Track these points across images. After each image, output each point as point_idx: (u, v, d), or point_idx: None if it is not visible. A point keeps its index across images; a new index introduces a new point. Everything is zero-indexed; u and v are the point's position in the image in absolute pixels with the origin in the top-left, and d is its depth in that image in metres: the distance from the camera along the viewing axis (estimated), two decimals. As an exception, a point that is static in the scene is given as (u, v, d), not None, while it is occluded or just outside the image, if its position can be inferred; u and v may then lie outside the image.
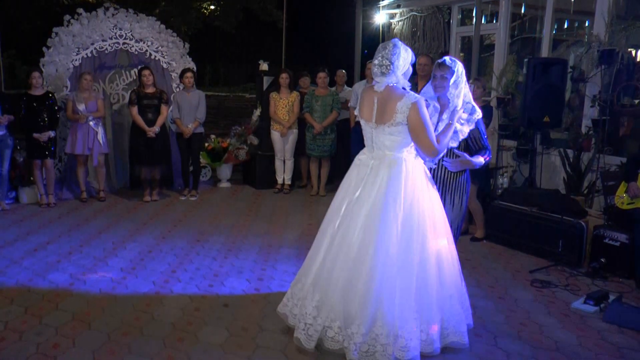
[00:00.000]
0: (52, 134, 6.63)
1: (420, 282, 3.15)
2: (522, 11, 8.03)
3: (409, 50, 3.29)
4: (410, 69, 3.33)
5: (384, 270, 3.10)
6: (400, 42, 3.26)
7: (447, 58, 3.52)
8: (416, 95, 3.17)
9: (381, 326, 3.08)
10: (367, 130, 3.35)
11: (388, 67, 3.19)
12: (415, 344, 3.08)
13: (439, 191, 3.53)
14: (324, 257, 3.35)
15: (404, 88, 3.22)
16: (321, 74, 7.53)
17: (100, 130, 6.92)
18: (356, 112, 3.51)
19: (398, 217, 3.14)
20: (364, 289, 3.11)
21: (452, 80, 3.46)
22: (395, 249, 3.11)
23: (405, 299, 3.10)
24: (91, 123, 6.83)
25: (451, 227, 3.55)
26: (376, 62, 3.24)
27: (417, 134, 3.15)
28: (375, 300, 3.09)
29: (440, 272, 3.26)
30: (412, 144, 3.24)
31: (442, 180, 3.61)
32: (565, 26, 7.98)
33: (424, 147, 3.17)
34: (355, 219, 3.23)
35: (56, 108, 6.74)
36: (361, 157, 3.40)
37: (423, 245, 3.17)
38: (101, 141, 6.93)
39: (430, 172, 3.55)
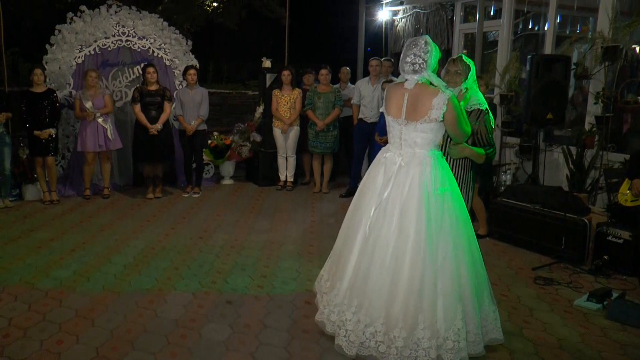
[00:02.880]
0: (53, 131, 6.64)
1: (461, 283, 3.13)
2: (525, 8, 8.00)
3: (437, 46, 3.29)
4: (437, 66, 3.31)
5: (423, 272, 3.04)
6: (430, 39, 3.23)
7: (463, 54, 3.61)
8: (448, 89, 3.17)
9: (423, 329, 3.02)
10: (395, 127, 3.27)
11: (422, 65, 3.16)
12: (462, 345, 3.05)
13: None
14: (359, 260, 3.26)
15: (431, 84, 3.19)
16: (323, 71, 7.52)
17: (109, 126, 6.93)
18: (382, 109, 3.48)
19: (433, 217, 3.09)
20: (404, 292, 3.06)
21: (469, 79, 3.62)
22: (432, 250, 3.06)
23: (448, 301, 3.06)
24: (99, 120, 6.84)
25: None
26: (408, 59, 3.19)
27: (456, 124, 3.19)
28: (415, 304, 3.03)
29: (474, 270, 3.24)
30: (438, 140, 3.27)
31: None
32: (569, 23, 7.95)
33: (461, 135, 3.28)
34: (389, 221, 3.16)
35: (57, 105, 6.76)
36: (387, 155, 3.32)
37: (457, 244, 3.14)
38: (111, 137, 6.94)
39: None
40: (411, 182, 3.14)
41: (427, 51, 3.17)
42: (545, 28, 7.41)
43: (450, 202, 3.17)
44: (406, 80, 3.24)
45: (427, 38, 3.22)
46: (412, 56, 3.18)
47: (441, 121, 3.15)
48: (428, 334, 3.01)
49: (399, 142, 3.27)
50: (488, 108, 3.67)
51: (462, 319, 3.07)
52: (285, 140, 7.74)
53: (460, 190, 3.55)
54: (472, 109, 3.58)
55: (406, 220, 3.11)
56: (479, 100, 3.64)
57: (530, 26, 8.34)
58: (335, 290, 3.39)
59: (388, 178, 3.23)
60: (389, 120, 3.33)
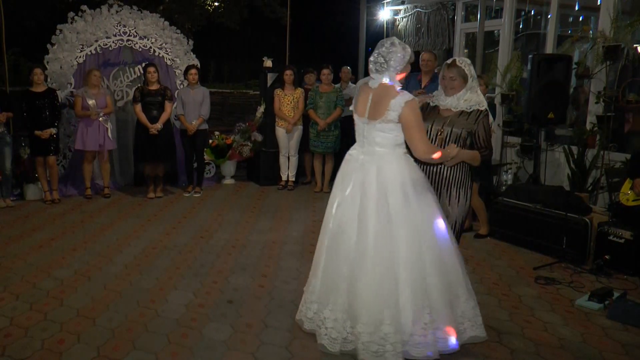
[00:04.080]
0: (53, 131, 6.65)
1: (426, 279, 3.11)
2: (527, 7, 8.00)
3: (408, 49, 3.26)
4: (409, 68, 3.32)
5: (383, 269, 3.07)
6: (398, 41, 3.24)
7: (457, 58, 3.49)
8: (410, 94, 3.18)
9: (389, 324, 3.04)
10: (359, 125, 3.35)
11: (382, 65, 3.20)
12: (429, 340, 3.07)
13: (444, 186, 3.52)
14: (326, 257, 3.36)
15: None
16: (325, 71, 7.53)
17: (109, 126, 6.95)
18: (351, 108, 3.51)
19: (391, 215, 3.11)
20: (365, 288, 3.10)
21: (466, 86, 3.46)
22: (393, 246, 3.09)
23: (412, 296, 3.07)
24: (101, 119, 6.85)
25: (456, 222, 3.55)
26: (372, 58, 3.26)
27: (410, 133, 3.15)
28: (376, 300, 3.06)
29: (444, 270, 3.22)
30: (401, 140, 3.23)
31: (447, 174, 3.54)
32: (570, 22, 7.94)
33: (415, 147, 3.17)
34: (349, 218, 3.24)
35: (58, 104, 6.76)
36: (352, 152, 3.40)
37: (420, 241, 3.14)
38: (111, 137, 6.95)
39: (435, 167, 3.52)
40: (371, 179, 3.19)
41: (390, 52, 3.18)
42: (547, 27, 7.41)
43: (413, 200, 3.16)
44: (372, 79, 3.29)
45: (394, 39, 3.24)
46: (375, 55, 3.24)
47: (400, 124, 3.16)
48: (393, 329, 3.03)
49: (362, 140, 3.33)
50: (488, 109, 3.59)
51: (428, 313, 3.09)
52: (289, 140, 7.75)
53: (459, 189, 3.53)
54: (471, 109, 3.47)
55: (366, 216, 3.15)
56: (478, 100, 3.54)
57: (531, 25, 8.34)
58: (310, 287, 3.49)
59: (349, 175, 3.32)
60: (355, 118, 3.39)
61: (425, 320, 3.08)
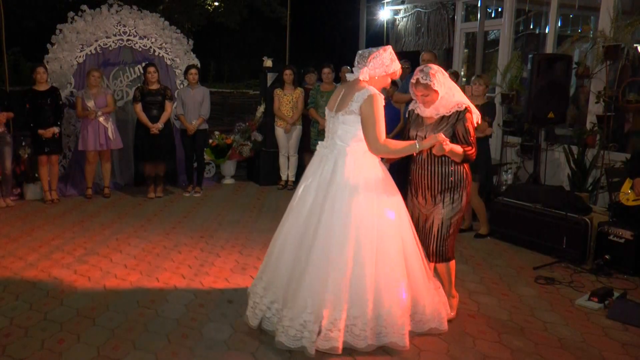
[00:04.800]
0: (56, 129, 6.66)
1: (355, 279, 3.15)
2: (527, 7, 8.00)
3: (396, 63, 3.31)
4: (388, 81, 3.36)
5: (319, 260, 3.15)
6: (390, 50, 3.31)
7: (419, 74, 3.38)
8: (374, 89, 3.23)
9: (310, 313, 3.13)
10: (328, 119, 3.44)
11: (363, 60, 3.26)
12: (337, 335, 3.13)
13: (439, 189, 3.49)
14: (276, 242, 3.51)
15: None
16: (326, 70, 7.53)
17: (110, 125, 6.94)
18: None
19: (340, 210, 3.17)
20: (299, 275, 3.21)
21: (440, 95, 3.39)
22: (333, 241, 3.15)
23: (337, 292, 3.13)
24: (101, 119, 6.85)
25: (442, 223, 3.52)
26: (359, 52, 3.33)
27: (366, 126, 3.20)
28: (306, 288, 3.16)
29: (381, 272, 3.21)
30: (362, 137, 3.26)
31: (444, 175, 3.50)
32: (570, 22, 7.94)
33: (369, 140, 3.22)
34: (303, 207, 3.35)
35: (60, 103, 6.77)
36: (318, 145, 3.50)
37: (361, 242, 3.16)
38: (112, 136, 6.94)
39: (432, 167, 3.50)
40: (325, 174, 3.28)
41: (377, 53, 3.25)
42: (547, 27, 7.41)
43: (362, 197, 3.19)
44: (352, 74, 3.35)
45: (389, 47, 3.33)
46: (362, 51, 3.33)
47: (359, 115, 3.22)
48: (313, 318, 3.13)
49: (327, 134, 3.43)
50: (470, 107, 3.46)
51: (346, 309, 3.14)
52: (288, 140, 7.75)
53: (452, 191, 3.49)
54: (450, 113, 3.41)
55: (314, 209, 3.25)
56: (458, 100, 3.43)
57: (531, 25, 8.34)
58: (261, 266, 3.68)
59: (310, 168, 3.43)
60: (326, 113, 3.47)
61: (336, 316, 3.13)
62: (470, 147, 3.41)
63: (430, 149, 3.40)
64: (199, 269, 4.63)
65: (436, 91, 3.36)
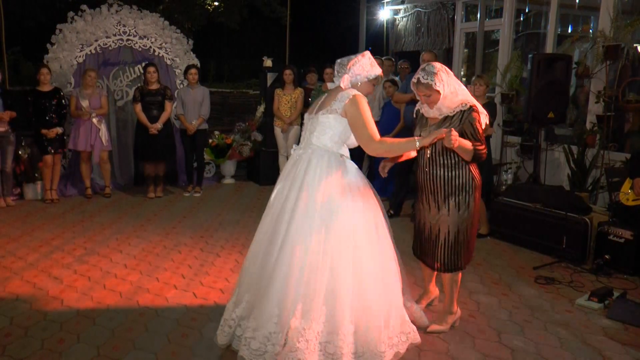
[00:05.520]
0: (60, 130, 6.67)
1: (328, 288, 2.89)
2: (527, 7, 8.00)
3: (377, 69, 3.21)
4: (371, 88, 3.26)
5: (288, 269, 2.90)
6: (369, 55, 3.24)
7: (420, 74, 3.30)
8: (357, 91, 3.13)
9: (276, 324, 2.88)
10: (306, 122, 3.29)
11: (343, 67, 3.19)
12: (304, 346, 2.83)
13: (443, 193, 3.39)
14: (249, 251, 3.25)
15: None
16: (328, 70, 7.53)
17: (102, 127, 6.94)
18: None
19: (310, 215, 2.95)
20: (266, 284, 2.96)
21: (443, 95, 3.30)
22: (303, 248, 2.91)
23: (308, 304, 2.86)
24: (94, 120, 6.85)
25: (449, 231, 3.41)
26: (338, 60, 3.23)
27: (356, 127, 3.05)
28: (272, 299, 2.90)
29: (357, 282, 2.96)
30: (340, 140, 3.12)
31: (448, 179, 3.39)
32: (570, 22, 7.95)
33: (363, 141, 3.05)
34: (272, 211, 3.14)
35: (64, 104, 6.78)
36: (294, 149, 3.29)
37: (334, 249, 2.93)
38: (103, 138, 6.93)
39: (437, 171, 3.41)
40: (297, 176, 3.08)
41: (357, 60, 3.17)
42: (547, 27, 7.41)
43: (335, 203, 2.98)
44: (333, 83, 3.29)
45: (367, 52, 3.26)
46: (341, 59, 3.23)
47: (345, 118, 3.07)
48: (278, 329, 2.88)
49: (304, 136, 3.27)
50: (477, 106, 3.37)
51: (321, 323, 2.87)
52: (286, 140, 7.75)
53: (457, 196, 3.39)
54: (454, 113, 3.33)
55: (283, 214, 3.03)
56: (462, 100, 3.35)
57: (531, 25, 8.34)
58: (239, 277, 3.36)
59: (285, 170, 3.24)
60: (305, 119, 3.34)
61: (320, 331, 2.88)
62: (480, 144, 3.29)
63: (433, 152, 3.36)
64: (199, 269, 4.63)
65: (438, 91, 3.27)
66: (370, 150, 3.09)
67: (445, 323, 3.60)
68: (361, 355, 2.93)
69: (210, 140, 7.99)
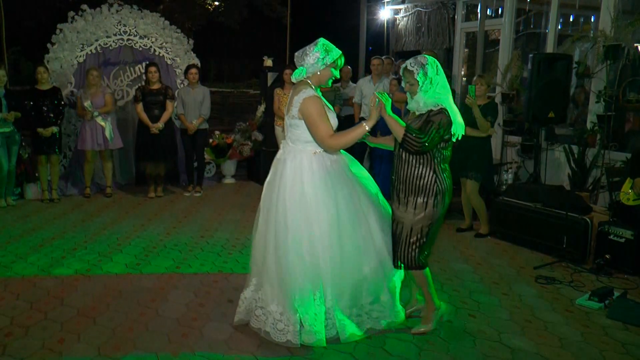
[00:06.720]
0: (55, 129, 6.64)
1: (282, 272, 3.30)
2: (527, 6, 8.00)
3: (333, 53, 3.29)
4: (329, 73, 3.33)
5: (284, 256, 3.26)
6: (323, 41, 3.34)
7: (409, 62, 3.32)
8: (311, 91, 3.27)
9: (277, 305, 3.32)
10: (285, 123, 3.51)
11: (300, 59, 3.33)
12: (319, 329, 3.27)
13: (404, 192, 3.35)
14: (253, 241, 3.59)
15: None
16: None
17: (107, 125, 6.92)
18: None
19: (277, 207, 3.28)
20: (274, 274, 3.34)
21: (421, 85, 3.28)
22: (277, 234, 3.28)
23: (308, 287, 3.25)
24: (98, 119, 6.84)
25: (403, 229, 3.37)
26: (295, 53, 3.38)
27: (310, 128, 3.27)
28: (281, 285, 3.30)
29: (334, 268, 3.32)
30: (310, 138, 3.32)
31: (410, 180, 3.34)
32: (571, 21, 7.94)
33: (318, 141, 3.28)
34: (263, 205, 3.45)
35: (62, 103, 6.77)
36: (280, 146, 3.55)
37: (312, 238, 3.26)
38: (109, 136, 6.92)
39: (400, 172, 3.39)
40: (279, 174, 3.35)
41: (311, 50, 3.30)
42: (547, 27, 7.40)
43: (309, 197, 3.26)
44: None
45: (320, 39, 3.35)
46: (295, 57, 3.37)
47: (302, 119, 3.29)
48: (280, 309, 3.31)
49: (286, 136, 3.51)
50: (449, 114, 3.25)
51: (320, 304, 3.27)
52: (286, 139, 7.74)
53: (416, 196, 3.33)
54: (425, 111, 3.30)
55: (271, 208, 3.34)
56: (436, 102, 3.28)
57: (532, 25, 8.33)
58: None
59: (272, 168, 3.48)
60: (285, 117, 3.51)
61: (325, 309, 3.30)
62: (414, 136, 3.19)
63: (401, 150, 3.37)
64: (199, 269, 4.63)
65: (417, 81, 3.27)
66: (326, 147, 3.30)
67: (428, 322, 3.56)
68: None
69: (210, 140, 7.99)
